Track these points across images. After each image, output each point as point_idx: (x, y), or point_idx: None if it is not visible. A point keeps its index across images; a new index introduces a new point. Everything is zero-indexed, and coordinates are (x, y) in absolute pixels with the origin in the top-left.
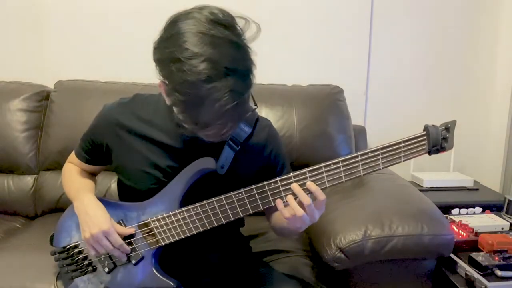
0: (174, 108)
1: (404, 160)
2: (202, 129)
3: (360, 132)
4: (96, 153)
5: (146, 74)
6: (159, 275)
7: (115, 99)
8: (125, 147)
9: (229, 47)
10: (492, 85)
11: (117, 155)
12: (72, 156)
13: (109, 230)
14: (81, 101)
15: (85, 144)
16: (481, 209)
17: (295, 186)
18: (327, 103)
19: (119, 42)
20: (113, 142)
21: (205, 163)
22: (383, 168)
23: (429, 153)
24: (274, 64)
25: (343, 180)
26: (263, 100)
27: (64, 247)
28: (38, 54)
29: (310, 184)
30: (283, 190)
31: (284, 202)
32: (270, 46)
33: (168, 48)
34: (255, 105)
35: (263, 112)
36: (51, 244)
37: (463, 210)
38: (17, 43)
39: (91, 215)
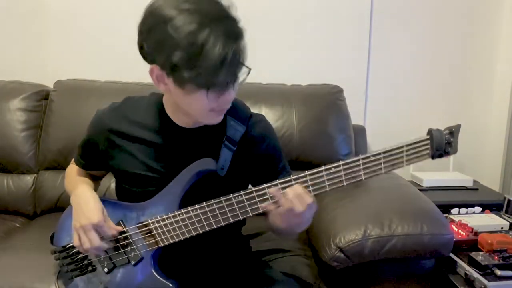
0: (175, 76)
1: (406, 165)
2: (209, 81)
3: (360, 132)
4: (93, 159)
5: (146, 74)
6: (158, 276)
7: (115, 98)
8: (119, 151)
9: (213, 2)
10: (492, 85)
11: (111, 160)
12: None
13: (99, 222)
14: (81, 101)
15: (81, 150)
16: (480, 209)
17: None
18: (327, 102)
19: (119, 42)
20: (107, 148)
21: (205, 164)
22: (385, 172)
23: (433, 157)
24: (274, 64)
25: (344, 184)
26: (262, 100)
27: (64, 246)
28: (38, 54)
29: (296, 187)
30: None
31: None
32: (270, 45)
33: (157, 17)
34: (248, 68)
35: (263, 111)
36: (52, 243)
37: (463, 210)
38: (17, 42)
39: (82, 205)
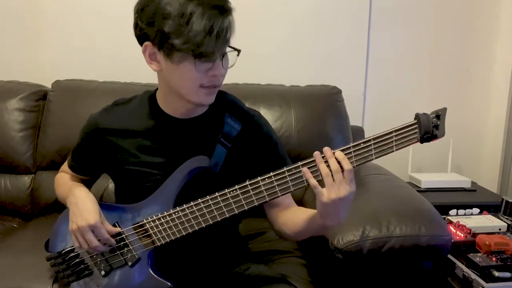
0: (166, 47)
1: (396, 150)
2: (196, 49)
3: (358, 133)
4: (86, 162)
5: (144, 74)
6: (156, 276)
7: (113, 99)
8: (115, 149)
9: None
10: (490, 87)
11: (108, 159)
12: (65, 167)
13: (96, 224)
14: (79, 101)
15: (75, 154)
16: (478, 210)
17: (317, 154)
18: (326, 103)
19: (117, 42)
20: (103, 148)
21: (198, 161)
22: (375, 158)
23: (421, 141)
24: (273, 65)
25: None
26: (261, 100)
27: (60, 252)
28: (36, 54)
29: (338, 154)
30: (277, 185)
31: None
32: (269, 46)
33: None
34: (237, 50)
35: (261, 112)
36: (47, 250)
37: (461, 211)
38: (15, 42)
39: (80, 207)
